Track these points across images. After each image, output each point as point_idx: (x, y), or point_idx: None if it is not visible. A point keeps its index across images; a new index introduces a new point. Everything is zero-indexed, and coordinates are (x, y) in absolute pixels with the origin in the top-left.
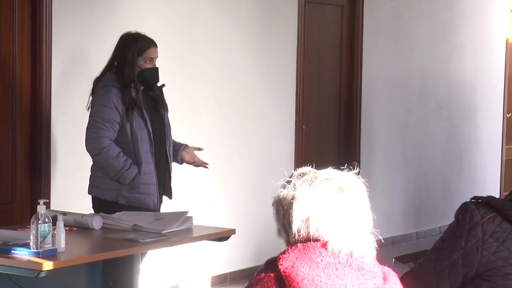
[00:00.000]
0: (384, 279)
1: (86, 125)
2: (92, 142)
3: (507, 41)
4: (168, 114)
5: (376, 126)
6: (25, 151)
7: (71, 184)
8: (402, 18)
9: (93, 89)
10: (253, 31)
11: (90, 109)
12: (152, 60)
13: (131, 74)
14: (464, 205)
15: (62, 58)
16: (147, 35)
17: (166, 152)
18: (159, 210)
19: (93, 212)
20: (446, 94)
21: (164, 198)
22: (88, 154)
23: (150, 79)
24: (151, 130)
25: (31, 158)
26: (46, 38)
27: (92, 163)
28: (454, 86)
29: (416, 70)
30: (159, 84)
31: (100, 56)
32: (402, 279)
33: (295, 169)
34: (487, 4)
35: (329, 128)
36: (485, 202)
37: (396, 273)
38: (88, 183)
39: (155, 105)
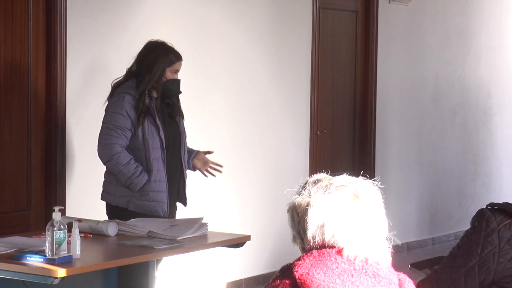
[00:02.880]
0: (400, 285)
1: (99, 131)
2: (104, 149)
3: None
4: (184, 122)
5: (390, 132)
6: (40, 158)
7: (86, 191)
8: (417, 23)
9: (111, 93)
10: (267, 37)
11: (104, 116)
12: (177, 72)
13: (152, 83)
14: (480, 212)
15: (76, 65)
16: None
17: (181, 160)
18: (174, 217)
19: (107, 218)
20: (461, 99)
21: (179, 205)
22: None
23: (172, 91)
24: (163, 138)
25: (46, 165)
26: (60, 45)
27: (105, 169)
28: (468, 91)
29: (430, 75)
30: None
31: (114, 62)
32: (418, 286)
33: (310, 175)
34: (502, 9)
35: (344, 134)
36: (501, 209)
37: (412, 279)
38: (102, 189)
39: (170, 112)
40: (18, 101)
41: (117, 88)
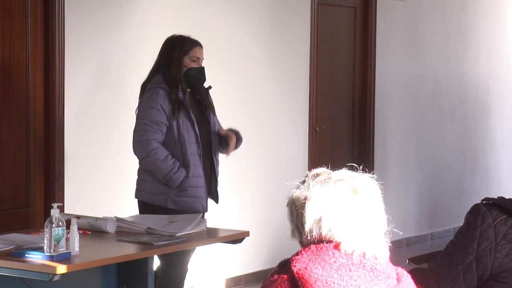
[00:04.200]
0: (398, 280)
1: (133, 127)
2: (140, 145)
3: None
4: (216, 118)
5: (389, 128)
6: (39, 155)
7: (84, 187)
8: (415, 19)
9: (141, 90)
10: (266, 33)
11: (137, 112)
12: (198, 60)
13: (178, 74)
14: (475, 208)
15: (75, 62)
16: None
17: (212, 156)
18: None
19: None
20: (460, 95)
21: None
22: (101, 159)
23: (196, 78)
24: (198, 132)
25: (45, 162)
26: (58, 42)
27: (138, 166)
28: (468, 87)
29: (429, 71)
30: (206, 85)
31: (113, 59)
32: (410, 273)
33: (309, 171)
34: (501, 5)
35: (343, 130)
36: (496, 204)
37: (410, 273)
38: (136, 187)
39: (201, 109)
40: (17, 98)
41: (147, 84)
